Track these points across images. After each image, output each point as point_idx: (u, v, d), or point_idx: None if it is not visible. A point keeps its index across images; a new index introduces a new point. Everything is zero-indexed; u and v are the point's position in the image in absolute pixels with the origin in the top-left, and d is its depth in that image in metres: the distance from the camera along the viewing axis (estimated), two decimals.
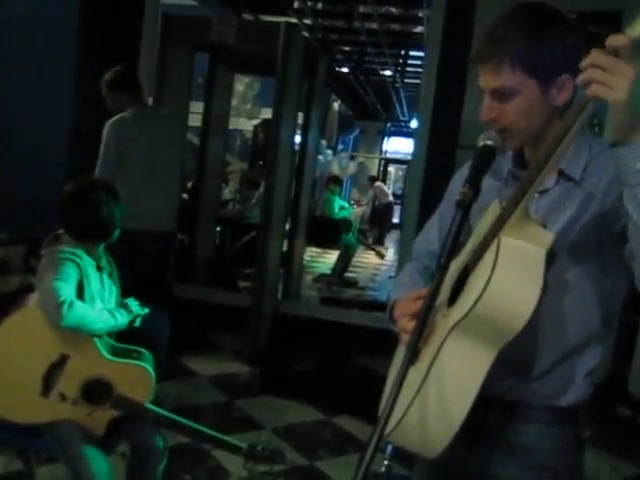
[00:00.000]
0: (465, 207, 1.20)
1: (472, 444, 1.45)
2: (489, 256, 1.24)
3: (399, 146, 17.89)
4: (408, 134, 16.09)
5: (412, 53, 9.80)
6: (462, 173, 1.65)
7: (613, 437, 4.09)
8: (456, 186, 1.64)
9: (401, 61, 10.55)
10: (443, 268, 1.18)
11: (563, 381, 1.42)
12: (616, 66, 1.07)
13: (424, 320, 1.17)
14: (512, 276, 1.21)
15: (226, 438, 2.43)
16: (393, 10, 7.80)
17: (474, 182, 1.22)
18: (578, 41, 1.34)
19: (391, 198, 14.62)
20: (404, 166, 17.11)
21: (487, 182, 1.35)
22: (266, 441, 2.42)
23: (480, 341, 1.26)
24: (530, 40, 1.31)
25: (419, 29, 8.10)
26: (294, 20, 7.81)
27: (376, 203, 14.58)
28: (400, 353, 1.49)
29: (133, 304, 2.56)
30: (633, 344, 4.72)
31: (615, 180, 1.30)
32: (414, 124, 12.87)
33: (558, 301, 1.37)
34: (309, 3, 7.87)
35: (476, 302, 1.20)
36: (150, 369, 2.36)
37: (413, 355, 1.16)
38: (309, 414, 4.14)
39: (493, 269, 1.20)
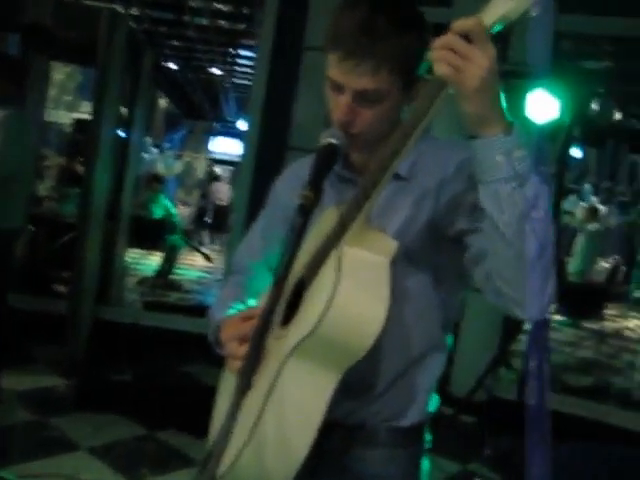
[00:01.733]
0: (307, 212, 1.07)
1: (312, 476, 1.30)
2: (330, 268, 1.11)
3: (226, 147, 17.71)
4: (235, 135, 15.97)
5: (242, 52, 9.68)
6: (287, 176, 1.51)
7: (436, 436, 4.21)
8: (281, 190, 1.50)
9: (231, 60, 10.41)
10: (280, 283, 1.04)
11: (406, 399, 1.33)
12: (471, 52, 0.98)
13: (259, 344, 1.03)
14: (357, 290, 1.10)
15: None
16: (224, 8, 7.64)
17: (316, 184, 1.09)
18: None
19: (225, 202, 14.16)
20: (231, 167, 16.98)
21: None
22: None
23: (323, 364, 1.13)
24: (406, 41, 1.20)
25: (250, 28, 7.99)
26: (119, 9, 7.39)
27: (202, 204, 14.33)
28: (229, 379, 1.31)
29: None
30: (454, 344, 4.90)
31: (449, 180, 1.24)
32: (242, 125, 12.79)
33: (398, 311, 1.26)
34: None
35: (319, 321, 1.07)
36: None
37: (246, 385, 1.01)
38: (131, 429, 3.87)
39: (337, 283, 1.08)
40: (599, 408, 5.15)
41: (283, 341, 1.16)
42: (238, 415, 0.97)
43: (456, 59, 0.99)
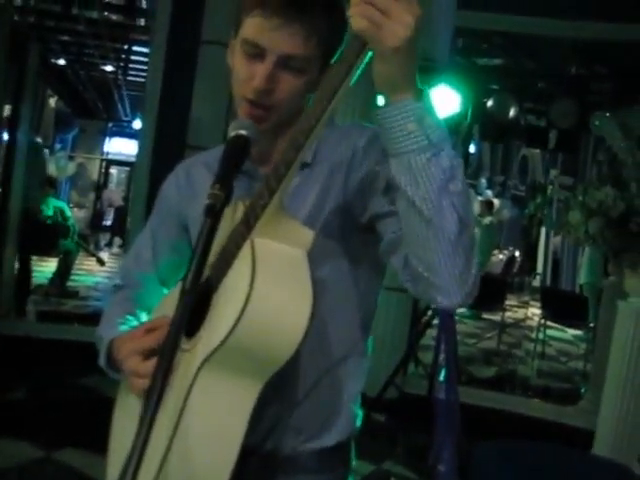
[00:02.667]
0: (217, 213, 0.94)
1: None
2: (242, 266, 0.99)
3: (122, 147, 17.16)
4: (131, 135, 15.48)
5: (136, 48, 9.32)
6: (176, 178, 1.37)
7: None
8: (172, 195, 1.36)
9: (124, 56, 10.01)
10: (192, 290, 0.90)
11: (329, 410, 1.22)
12: (393, 8, 0.88)
13: (171, 357, 0.89)
14: (276, 288, 0.98)
15: None
16: (115, 0, 7.35)
17: (226, 181, 0.96)
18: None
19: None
20: (127, 168, 16.47)
21: (203, 177, 1.12)
22: None
23: (240, 375, 1.00)
24: (332, 20, 1.14)
25: (144, 22, 7.70)
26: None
27: (98, 206, 13.92)
28: (128, 402, 1.16)
29: None
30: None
31: (357, 164, 1.16)
32: (137, 124, 12.39)
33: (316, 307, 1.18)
34: None
35: (235, 325, 0.94)
36: None
37: (156, 408, 0.85)
38: (24, 452, 3.58)
39: (252, 281, 0.95)
40: (503, 398, 5.28)
41: (192, 354, 1.02)
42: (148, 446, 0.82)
43: (375, 14, 0.89)
